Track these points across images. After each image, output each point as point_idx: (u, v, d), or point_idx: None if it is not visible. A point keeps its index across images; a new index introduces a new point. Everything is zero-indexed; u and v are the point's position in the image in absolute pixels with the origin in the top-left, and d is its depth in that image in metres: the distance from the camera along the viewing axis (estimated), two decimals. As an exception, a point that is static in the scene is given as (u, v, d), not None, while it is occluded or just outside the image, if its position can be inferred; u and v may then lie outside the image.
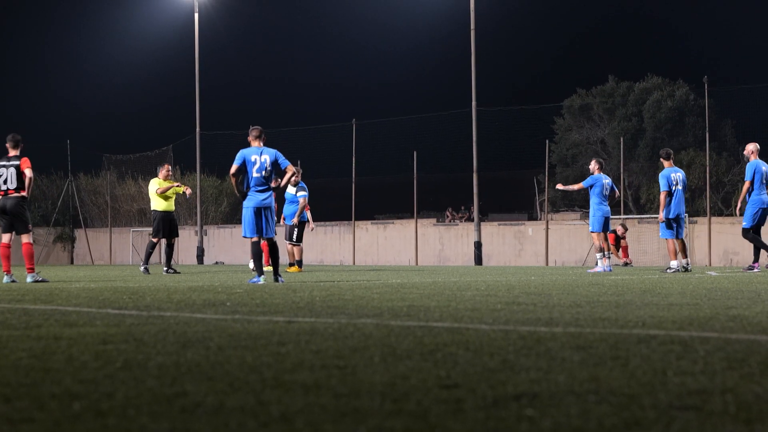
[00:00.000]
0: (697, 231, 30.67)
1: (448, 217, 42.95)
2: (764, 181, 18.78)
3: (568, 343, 5.10)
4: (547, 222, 34.56)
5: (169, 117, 78.79)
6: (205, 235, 42.15)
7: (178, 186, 21.52)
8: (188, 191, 21.55)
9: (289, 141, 42.04)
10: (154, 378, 3.98)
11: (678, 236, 18.86)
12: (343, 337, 5.51)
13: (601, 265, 20.58)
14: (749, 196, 18.90)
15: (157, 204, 21.25)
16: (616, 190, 21.24)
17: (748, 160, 19.13)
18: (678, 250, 18.86)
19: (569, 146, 51.41)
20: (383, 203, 48.88)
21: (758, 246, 18.95)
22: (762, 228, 19.21)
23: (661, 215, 18.77)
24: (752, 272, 18.11)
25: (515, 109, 42.64)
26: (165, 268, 21.28)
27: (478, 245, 34.55)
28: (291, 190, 22.82)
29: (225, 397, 3.52)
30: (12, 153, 15.39)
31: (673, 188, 18.89)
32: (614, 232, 28.68)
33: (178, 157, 46.41)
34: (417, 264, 35.21)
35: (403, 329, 6.03)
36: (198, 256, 40.94)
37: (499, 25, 72.33)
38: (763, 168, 18.84)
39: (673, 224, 18.89)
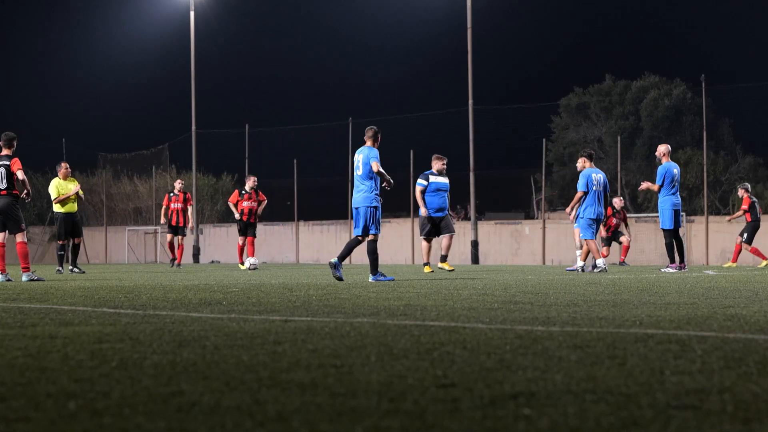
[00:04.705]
0: (694, 230, 30.67)
1: (444, 215, 42.89)
2: (676, 183, 18.86)
3: (565, 342, 5.09)
4: (544, 221, 34.55)
5: (165, 115, 78.72)
6: (201, 234, 42.14)
7: (75, 194, 22.09)
8: (80, 192, 22.18)
9: (285, 140, 42.05)
10: (150, 377, 3.97)
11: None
12: (339, 336, 5.50)
13: (580, 264, 19.99)
14: (664, 196, 18.88)
15: (59, 206, 21.98)
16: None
17: (660, 163, 19.12)
18: (595, 249, 19.27)
19: (566, 145, 51.41)
20: (380, 202, 48.76)
21: (671, 250, 18.92)
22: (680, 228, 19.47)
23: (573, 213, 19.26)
24: (669, 272, 18.06)
25: (512, 107, 42.67)
26: (71, 267, 21.54)
27: (474, 244, 34.54)
28: (440, 179, 19.46)
29: (221, 396, 3.51)
30: (4, 152, 15.24)
31: (593, 188, 19.00)
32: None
33: (174, 155, 46.46)
34: (413, 263, 35.19)
35: (399, 328, 6.02)
36: (194, 255, 40.91)
37: (496, 23, 72.28)
38: (674, 170, 18.90)
39: (594, 224, 19.14)
